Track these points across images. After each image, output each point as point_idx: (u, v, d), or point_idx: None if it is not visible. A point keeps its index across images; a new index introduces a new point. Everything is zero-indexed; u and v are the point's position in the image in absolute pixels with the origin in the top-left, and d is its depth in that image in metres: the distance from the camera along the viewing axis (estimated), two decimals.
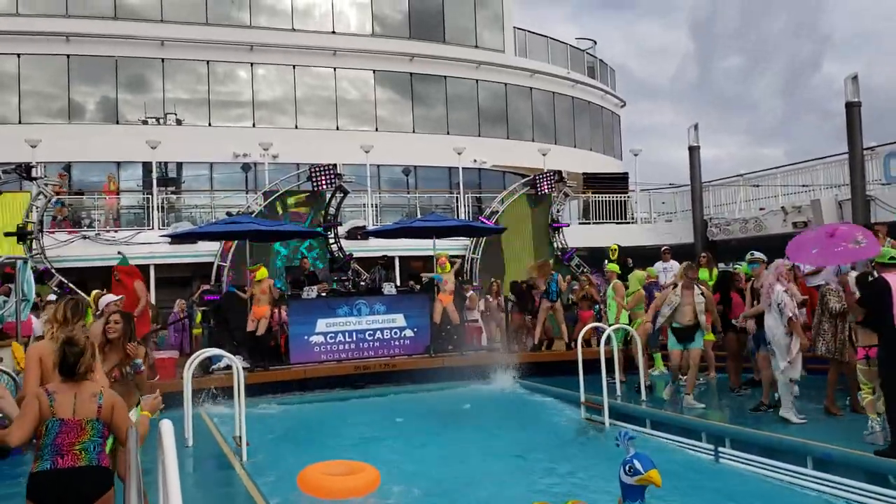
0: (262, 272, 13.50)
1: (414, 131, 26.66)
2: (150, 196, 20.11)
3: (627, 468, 4.50)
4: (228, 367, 10.44)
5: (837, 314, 8.70)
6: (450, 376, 13.47)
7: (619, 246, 16.06)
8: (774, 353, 8.60)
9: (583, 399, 10.54)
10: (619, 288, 12.38)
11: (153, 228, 19.32)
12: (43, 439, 4.05)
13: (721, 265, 17.37)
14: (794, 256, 8.82)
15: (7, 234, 15.44)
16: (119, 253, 15.45)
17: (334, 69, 25.81)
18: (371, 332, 14.20)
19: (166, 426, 3.88)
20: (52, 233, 18.06)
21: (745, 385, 11.03)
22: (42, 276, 15.64)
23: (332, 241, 18.73)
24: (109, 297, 8.68)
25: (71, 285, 15.55)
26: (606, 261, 15.88)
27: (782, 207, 18.84)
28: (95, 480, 4.09)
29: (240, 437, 8.56)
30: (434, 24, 27.29)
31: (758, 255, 9.96)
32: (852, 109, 16.60)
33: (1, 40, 22.15)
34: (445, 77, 27.16)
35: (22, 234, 15.94)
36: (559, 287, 14.34)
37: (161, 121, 24.14)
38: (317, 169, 18.89)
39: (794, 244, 8.40)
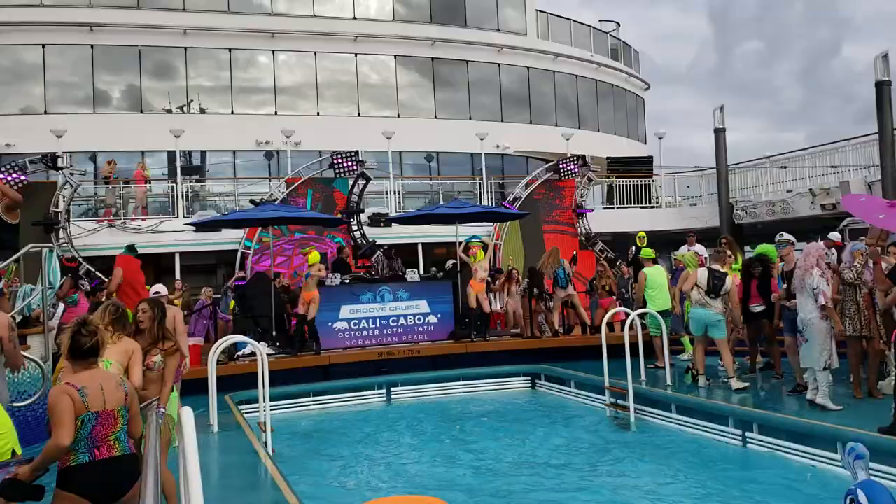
0: (315, 256, 13.56)
1: (436, 116, 26.51)
2: (174, 184, 20.24)
3: (849, 501, 3.34)
4: (253, 354, 10.49)
5: (853, 285, 8.62)
6: (473, 362, 13.48)
7: (645, 233, 15.86)
8: (806, 340, 8.45)
9: (606, 384, 10.48)
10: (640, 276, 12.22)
11: (178, 217, 19.43)
12: (77, 433, 3.98)
13: (747, 248, 17.16)
14: (858, 210, 8.77)
15: (34, 224, 15.59)
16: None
17: (355, 55, 25.72)
18: (395, 319, 14.22)
19: (186, 413, 3.89)
20: (102, 221, 18.35)
21: (762, 369, 11.10)
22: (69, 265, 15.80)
23: (354, 227, 18.74)
24: (159, 288, 8.61)
25: (99, 273, 15.69)
26: (634, 248, 15.74)
27: (810, 189, 18.50)
28: (132, 468, 4.14)
29: (264, 423, 8.60)
30: (456, 8, 27.05)
31: (787, 236, 9.80)
32: (882, 88, 16.28)
33: (25, 31, 22.33)
34: (467, 61, 26.94)
35: (48, 224, 16.11)
36: (567, 273, 14.22)
37: (185, 109, 24.28)
38: (339, 156, 18.90)
39: (856, 201, 8.37)
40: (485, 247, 15.12)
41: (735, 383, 9.85)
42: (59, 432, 3.92)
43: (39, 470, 3.95)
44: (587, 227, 20.59)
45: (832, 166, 18.84)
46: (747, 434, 8.41)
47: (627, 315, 10.74)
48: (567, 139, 22.77)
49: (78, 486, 3.98)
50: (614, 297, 14.55)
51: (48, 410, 4.03)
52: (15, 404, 7.91)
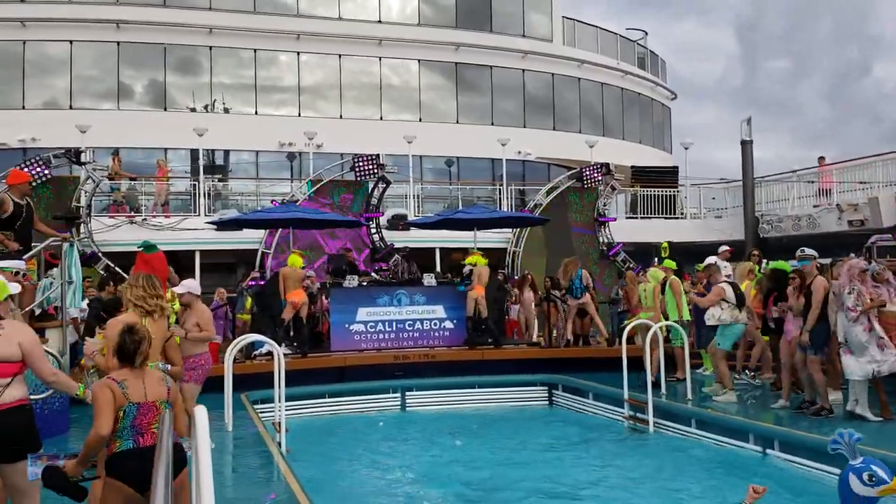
0: (291, 259, 13.37)
1: (458, 121, 26.47)
2: (196, 183, 20.31)
3: (867, 476, 3.74)
4: (270, 354, 10.43)
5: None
6: (489, 369, 13.32)
7: (669, 243, 15.62)
8: (851, 352, 8.32)
9: (626, 396, 10.31)
10: (675, 284, 11.93)
11: (199, 215, 19.49)
12: (120, 423, 4.15)
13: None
14: None
15: (56, 218, 15.68)
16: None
17: (380, 58, 25.75)
18: (411, 323, 14.11)
19: (200, 412, 3.82)
20: (113, 216, 18.42)
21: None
22: (89, 260, 15.88)
23: (373, 230, 18.71)
24: (189, 283, 8.39)
25: (118, 269, 15.74)
26: (657, 259, 15.49)
27: (837, 205, 18.23)
28: (177, 459, 4.15)
29: (279, 423, 8.55)
30: (481, 13, 27.00)
31: (809, 251, 9.55)
32: None
33: (53, 27, 22.56)
34: (491, 67, 26.86)
35: (70, 218, 16.19)
36: (585, 283, 13.92)
37: (208, 108, 24.40)
38: (360, 159, 18.90)
39: None
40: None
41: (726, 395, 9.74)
42: (99, 422, 4.09)
43: (84, 464, 4.18)
44: (609, 236, 20.40)
45: (861, 182, 18.54)
46: (768, 451, 8.23)
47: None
48: (591, 147, 22.63)
49: (122, 470, 4.10)
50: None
51: (92, 402, 4.20)
52: (32, 397, 7.88)
